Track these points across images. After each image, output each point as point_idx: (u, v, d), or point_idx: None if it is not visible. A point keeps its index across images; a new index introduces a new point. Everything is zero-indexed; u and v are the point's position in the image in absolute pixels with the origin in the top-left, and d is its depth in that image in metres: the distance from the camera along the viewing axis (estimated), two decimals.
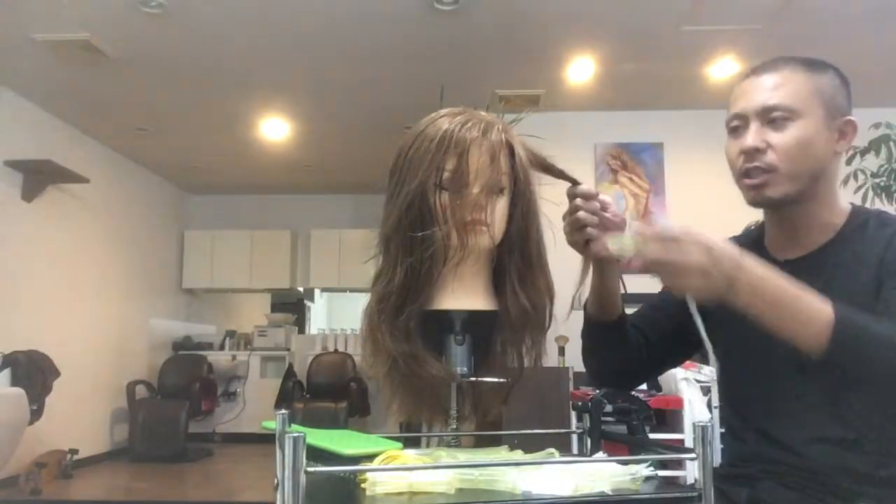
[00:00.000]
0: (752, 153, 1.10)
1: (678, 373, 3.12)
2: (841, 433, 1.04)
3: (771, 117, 1.10)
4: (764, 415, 1.13)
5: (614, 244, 0.99)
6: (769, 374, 1.12)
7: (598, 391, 1.33)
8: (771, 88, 1.11)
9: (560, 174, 1.03)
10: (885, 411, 1.03)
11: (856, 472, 1.03)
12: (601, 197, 1.06)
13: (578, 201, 1.05)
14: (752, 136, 1.10)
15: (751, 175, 1.11)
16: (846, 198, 1.18)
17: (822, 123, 1.10)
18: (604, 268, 1.13)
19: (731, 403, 1.23)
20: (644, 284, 1.16)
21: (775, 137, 1.09)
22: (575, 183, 1.06)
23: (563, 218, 1.08)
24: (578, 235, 1.06)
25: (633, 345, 1.24)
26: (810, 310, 0.94)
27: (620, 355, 1.24)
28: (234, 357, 7.52)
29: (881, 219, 1.12)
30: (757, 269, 0.94)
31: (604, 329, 1.20)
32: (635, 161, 5.27)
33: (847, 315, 0.94)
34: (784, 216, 1.15)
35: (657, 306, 1.31)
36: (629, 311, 1.27)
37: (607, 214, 1.06)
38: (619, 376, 1.29)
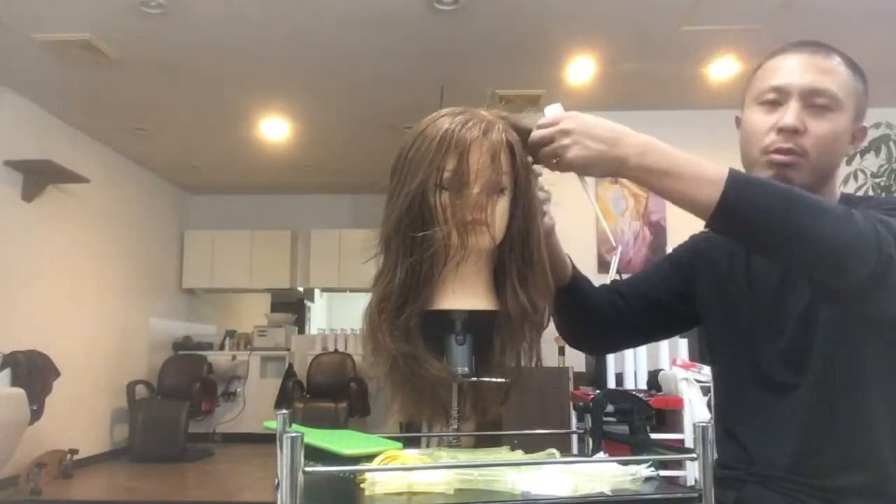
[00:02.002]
0: (790, 133, 1.04)
1: (678, 373, 3.12)
2: (824, 442, 1.04)
3: (815, 101, 1.05)
4: (749, 420, 1.13)
5: None
6: (755, 383, 1.12)
7: (598, 391, 1.32)
8: (821, 70, 1.05)
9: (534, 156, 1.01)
10: (866, 419, 1.03)
11: (839, 478, 1.02)
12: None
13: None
14: (794, 115, 1.04)
15: (781, 152, 1.05)
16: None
17: (849, 123, 1.08)
18: (548, 238, 1.09)
19: (721, 407, 1.23)
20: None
21: (814, 124, 1.05)
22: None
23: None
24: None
25: (605, 308, 1.20)
26: (703, 163, 0.91)
27: (586, 319, 1.19)
28: (234, 357, 7.52)
29: (860, 202, 1.10)
30: (641, 136, 0.93)
31: (560, 295, 1.14)
32: None
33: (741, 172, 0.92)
34: None
35: (648, 273, 1.29)
36: None
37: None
38: (590, 339, 1.25)
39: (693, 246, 1.27)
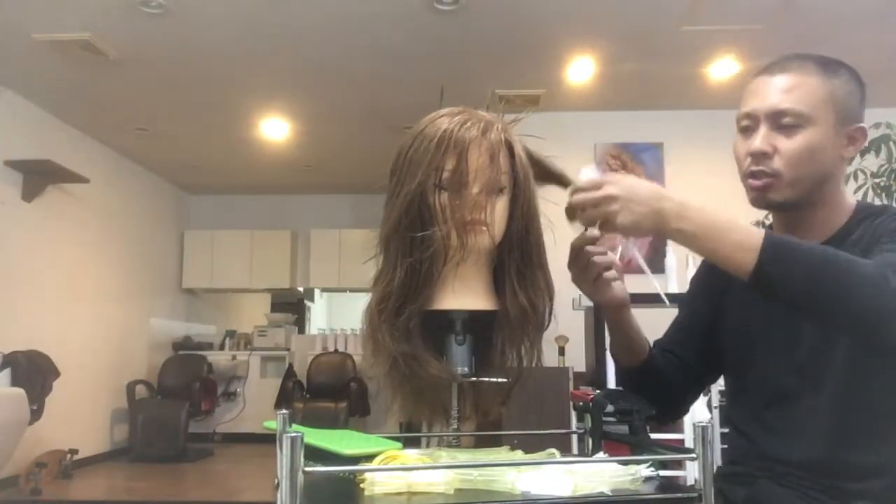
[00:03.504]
0: (759, 156, 1.09)
1: None
2: (841, 440, 1.04)
3: (781, 122, 1.08)
4: (760, 420, 1.13)
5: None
6: (768, 387, 1.12)
7: (598, 391, 1.32)
8: (783, 91, 1.08)
9: (557, 178, 1.02)
10: (886, 420, 1.03)
11: (854, 475, 1.02)
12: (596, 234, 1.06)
13: (590, 247, 1.05)
14: (760, 140, 1.09)
15: (755, 177, 1.10)
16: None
17: (831, 130, 1.08)
18: (621, 311, 1.13)
19: (730, 406, 1.23)
20: (647, 286, 1.16)
21: (783, 143, 1.08)
22: (566, 183, 1.03)
23: (570, 267, 1.07)
24: (599, 283, 1.07)
25: (672, 373, 1.23)
26: (737, 228, 0.92)
27: (662, 391, 1.21)
28: (234, 357, 7.52)
29: (882, 210, 1.10)
30: (679, 198, 0.94)
31: (639, 374, 1.20)
32: (635, 161, 5.27)
33: (777, 235, 0.94)
34: (787, 217, 1.14)
35: (681, 322, 1.30)
36: (636, 311, 1.25)
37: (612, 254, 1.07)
38: (667, 410, 1.26)
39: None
